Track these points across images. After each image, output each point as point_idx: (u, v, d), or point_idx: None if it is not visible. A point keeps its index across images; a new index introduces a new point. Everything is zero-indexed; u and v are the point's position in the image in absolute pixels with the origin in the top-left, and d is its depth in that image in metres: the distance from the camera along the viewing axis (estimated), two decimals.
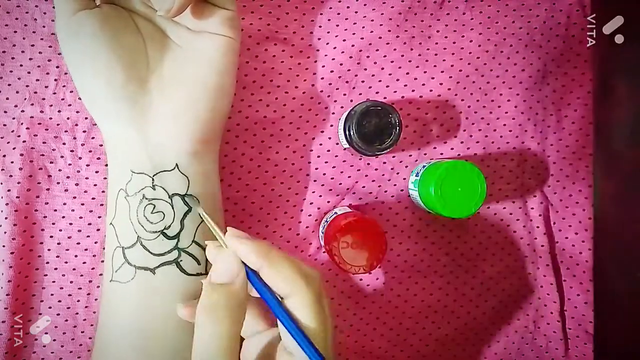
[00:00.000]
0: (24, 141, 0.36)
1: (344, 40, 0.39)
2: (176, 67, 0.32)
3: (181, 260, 0.31)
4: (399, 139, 0.36)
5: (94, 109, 0.32)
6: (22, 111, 0.36)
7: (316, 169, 0.40)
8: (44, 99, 0.36)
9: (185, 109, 0.31)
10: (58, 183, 0.36)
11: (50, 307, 0.36)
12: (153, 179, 0.31)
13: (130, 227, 0.31)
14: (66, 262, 0.36)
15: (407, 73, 0.40)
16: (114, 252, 0.31)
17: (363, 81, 0.40)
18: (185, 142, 0.31)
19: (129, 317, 0.31)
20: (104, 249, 0.36)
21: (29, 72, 0.36)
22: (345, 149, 0.39)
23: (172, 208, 0.31)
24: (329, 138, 0.40)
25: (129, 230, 0.31)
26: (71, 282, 0.36)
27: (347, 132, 0.36)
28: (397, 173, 0.40)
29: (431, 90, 0.40)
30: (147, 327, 0.31)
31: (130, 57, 0.31)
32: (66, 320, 0.36)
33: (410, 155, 0.41)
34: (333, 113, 0.40)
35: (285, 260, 0.26)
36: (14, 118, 0.36)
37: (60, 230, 0.36)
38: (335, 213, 0.38)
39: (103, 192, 0.37)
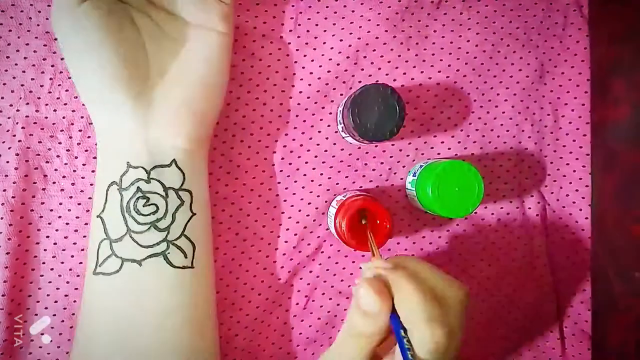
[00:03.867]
0: (19, 140, 0.35)
1: (341, 40, 0.39)
2: (176, 63, 0.32)
3: (169, 253, 0.31)
4: (402, 125, 0.35)
5: (93, 101, 0.32)
6: (18, 110, 0.35)
7: (313, 169, 0.40)
8: (39, 98, 0.36)
9: (185, 105, 0.32)
10: (54, 183, 0.36)
11: (46, 308, 0.36)
12: (149, 173, 0.31)
13: (121, 219, 0.31)
14: (62, 263, 0.36)
15: (404, 73, 0.40)
16: (99, 244, 0.31)
17: (360, 81, 0.40)
18: (184, 138, 0.32)
19: (112, 309, 0.31)
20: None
21: (23, 71, 0.36)
22: (343, 137, 0.39)
23: (166, 202, 0.31)
24: (327, 138, 0.40)
25: (119, 223, 0.31)
26: (67, 282, 0.36)
27: (348, 119, 0.35)
28: (395, 173, 0.40)
29: (428, 91, 0.40)
30: (130, 320, 0.31)
31: (133, 51, 0.31)
32: (62, 321, 0.36)
33: (408, 155, 0.40)
34: (330, 113, 0.40)
35: (413, 294, 0.25)
36: (9, 117, 0.35)
37: (57, 230, 0.36)
38: (346, 195, 0.38)
39: None
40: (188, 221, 0.32)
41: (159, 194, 0.31)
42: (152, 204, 0.31)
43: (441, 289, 0.26)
